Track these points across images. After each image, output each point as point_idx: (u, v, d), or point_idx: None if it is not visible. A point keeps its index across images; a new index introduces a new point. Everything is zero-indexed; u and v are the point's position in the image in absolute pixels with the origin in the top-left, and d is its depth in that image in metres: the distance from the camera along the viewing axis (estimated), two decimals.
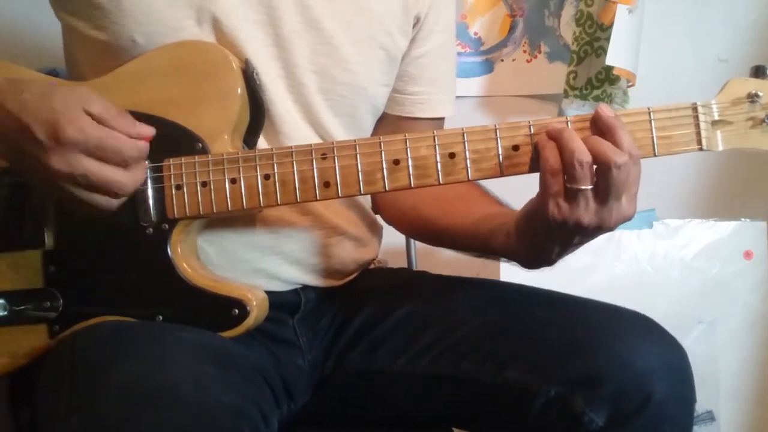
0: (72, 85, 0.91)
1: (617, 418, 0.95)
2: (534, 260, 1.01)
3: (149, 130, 0.95)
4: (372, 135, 1.20)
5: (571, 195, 0.88)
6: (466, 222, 1.10)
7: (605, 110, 0.90)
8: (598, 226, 0.89)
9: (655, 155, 0.92)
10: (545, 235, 0.94)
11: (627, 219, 0.90)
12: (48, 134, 0.86)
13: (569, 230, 0.90)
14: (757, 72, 0.92)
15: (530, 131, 0.92)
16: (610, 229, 0.91)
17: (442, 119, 1.24)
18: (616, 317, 1.03)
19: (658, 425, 0.95)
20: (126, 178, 0.91)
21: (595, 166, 0.87)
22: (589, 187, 0.87)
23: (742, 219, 1.78)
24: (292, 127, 1.07)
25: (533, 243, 0.97)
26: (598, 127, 0.90)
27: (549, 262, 0.99)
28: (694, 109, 0.92)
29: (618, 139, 0.88)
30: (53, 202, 0.98)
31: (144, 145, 0.93)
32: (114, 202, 0.92)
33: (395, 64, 1.15)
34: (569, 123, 0.91)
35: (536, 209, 0.92)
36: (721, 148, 0.92)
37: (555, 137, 0.89)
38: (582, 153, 0.86)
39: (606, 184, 0.87)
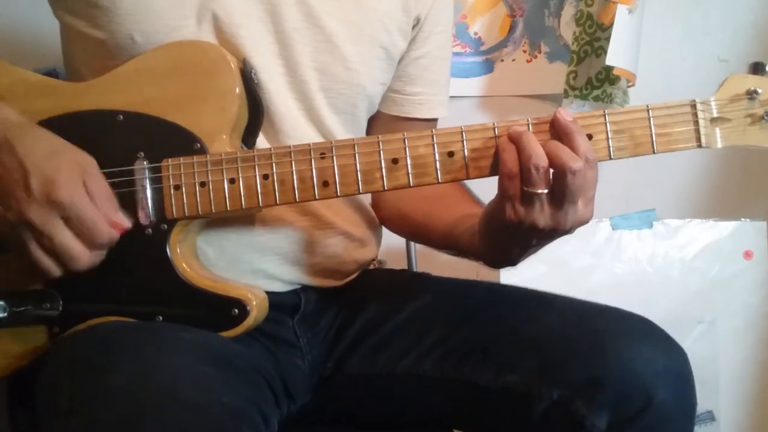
0: (82, 152, 0.93)
1: (619, 422, 0.95)
2: (497, 260, 1.02)
3: (127, 223, 0.94)
4: (366, 134, 1.21)
5: (527, 198, 0.88)
6: (442, 221, 1.11)
7: (563, 114, 0.90)
8: (553, 229, 0.90)
9: (654, 152, 0.92)
10: (504, 237, 0.95)
11: (584, 222, 0.91)
12: (41, 188, 0.87)
13: (525, 232, 0.91)
14: (756, 69, 0.92)
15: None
16: (567, 232, 0.91)
17: (437, 120, 1.24)
18: (617, 320, 1.03)
19: (659, 429, 0.95)
20: (85, 258, 0.91)
21: (551, 171, 0.88)
22: (545, 191, 0.88)
23: (742, 219, 1.78)
24: (293, 124, 1.07)
25: (493, 243, 0.98)
26: (556, 131, 0.90)
27: (511, 262, 1.00)
28: (693, 106, 0.92)
29: (575, 144, 0.88)
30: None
31: (115, 237, 0.93)
32: (58, 272, 0.92)
33: (393, 63, 1.16)
34: (530, 125, 0.92)
35: (494, 211, 0.93)
36: (720, 145, 0.92)
37: (514, 140, 0.90)
38: (539, 157, 0.87)
39: (561, 188, 0.88)
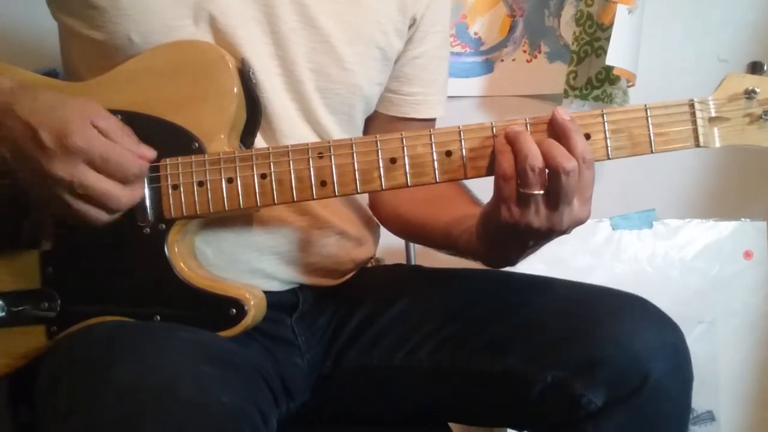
0: (82, 98, 0.92)
1: (616, 399, 0.96)
2: (495, 261, 1.02)
3: (151, 152, 0.95)
4: (363, 134, 1.20)
5: (523, 199, 0.88)
6: (440, 222, 1.11)
7: (561, 113, 0.90)
8: (549, 230, 0.90)
9: (652, 152, 0.92)
10: (500, 238, 0.95)
11: (580, 222, 0.91)
12: (55, 141, 0.86)
13: (521, 233, 0.91)
14: (754, 68, 0.92)
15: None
16: (563, 232, 0.91)
17: (434, 120, 1.24)
18: (611, 299, 1.03)
19: (656, 404, 0.95)
20: (124, 194, 0.91)
21: (547, 171, 0.87)
22: (540, 192, 0.88)
23: (742, 219, 1.78)
24: (290, 124, 1.08)
25: (491, 244, 0.98)
26: (554, 129, 0.90)
27: (510, 262, 1.00)
28: (691, 105, 0.92)
29: (571, 143, 0.88)
30: (45, 210, 0.97)
31: (146, 165, 0.93)
32: (106, 217, 0.92)
33: (389, 63, 1.16)
34: (528, 125, 0.91)
35: (491, 212, 0.93)
36: (718, 144, 0.92)
37: (511, 141, 0.89)
38: (534, 158, 0.87)
39: (556, 188, 0.87)
